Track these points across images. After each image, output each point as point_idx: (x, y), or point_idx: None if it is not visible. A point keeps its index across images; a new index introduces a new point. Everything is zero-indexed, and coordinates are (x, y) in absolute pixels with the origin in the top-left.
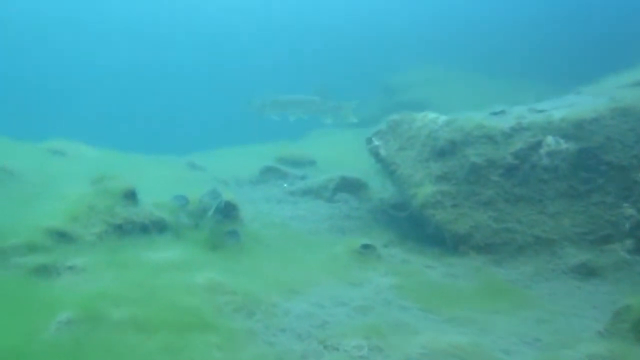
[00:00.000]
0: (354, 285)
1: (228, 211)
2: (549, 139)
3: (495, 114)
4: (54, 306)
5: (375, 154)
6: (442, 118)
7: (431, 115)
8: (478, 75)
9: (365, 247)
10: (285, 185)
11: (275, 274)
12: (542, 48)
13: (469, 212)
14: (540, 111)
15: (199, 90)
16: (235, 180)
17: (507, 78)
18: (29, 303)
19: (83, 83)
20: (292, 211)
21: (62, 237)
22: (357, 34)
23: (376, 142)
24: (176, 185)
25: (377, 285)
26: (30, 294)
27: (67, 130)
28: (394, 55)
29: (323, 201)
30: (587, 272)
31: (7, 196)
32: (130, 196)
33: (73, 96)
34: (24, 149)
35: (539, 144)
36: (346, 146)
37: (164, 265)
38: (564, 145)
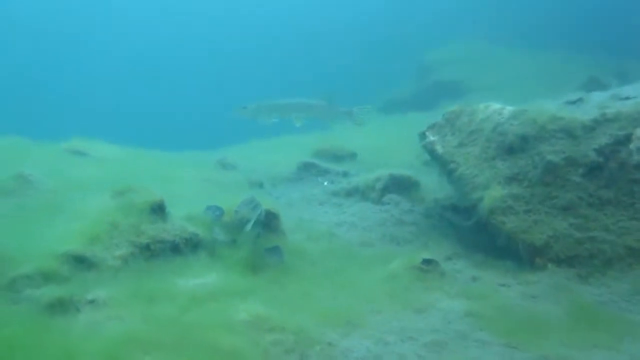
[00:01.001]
0: (420, 313)
1: (268, 221)
2: None
3: (571, 102)
4: (73, 358)
5: (430, 150)
6: (508, 109)
7: (495, 105)
8: (524, 50)
9: (427, 262)
10: (325, 183)
11: (327, 301)
12: (597, 16)
13: (546, 218)
14: (626, 98)
15: (222, 82)
16: (270, 178)
17: (557, 51)
18: (43, 354)
19: (99, 78)
20: (338, 216)
21: (81, 262)
22: (387, 7)
23: (431, 137)
24: (207, 189)
25: (446, 312)
26: (44, 341)
27: (87, 128)
28: (428, 30)
29: (371, 203)
30: None
31: (22, 210)
32: (159, 210)
33: (92, 92)
34: (43, 151)
35: (627, 138)
36: (386, 135)
37: (200, 296)
38: None
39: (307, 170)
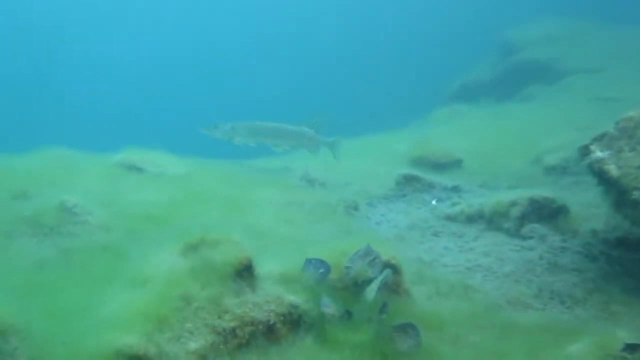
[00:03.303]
0: None
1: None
2: None
3: None
4: None
5: (598, 171)
6: None
7: None
8: (621, 27)
9: (632, 348)
10: (434, 202)
11: None
12: None
13: None
14: None
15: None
16: (365, 197)
17: None
18: None
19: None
20: (465, 255)
21: None
22: None
23: (599, 154)
24: (298, 221)
25: None
26: None
27: (140, 137)
28: (511, 6)
29: (505, 235)
30: None
31: (63, 263)
32: (246, 273)
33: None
34: (92, 166)
35: None
36: (487, 133)
37: None
38: None
39: (409, 184)
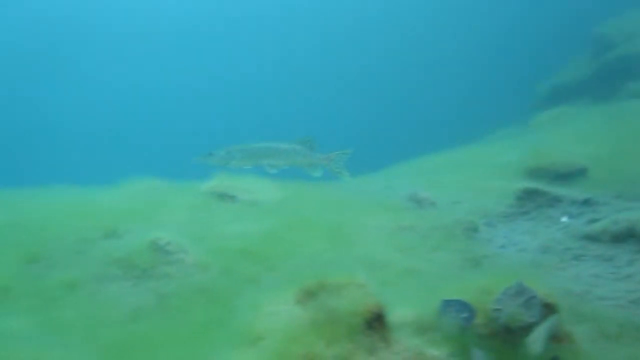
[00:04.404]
0: None
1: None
2: None
3: None
4: None
5: None
6: None
7: None
8: None
9: None
10: (564, 219)
11: None
12: None
13: None
14: None
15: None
16: (481, 215)
17: None
18: None
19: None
20: (623, 283)
21: None
22: None
23: None
24: (417, 250)
25: None
26: None
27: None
28: (594, 2)
29: None
30: None
31: (158, 313)
32: (377, 324)
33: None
34: (181, 197)
35: None
36: (609, 137)
37: None
38: None
39: (531, 199)
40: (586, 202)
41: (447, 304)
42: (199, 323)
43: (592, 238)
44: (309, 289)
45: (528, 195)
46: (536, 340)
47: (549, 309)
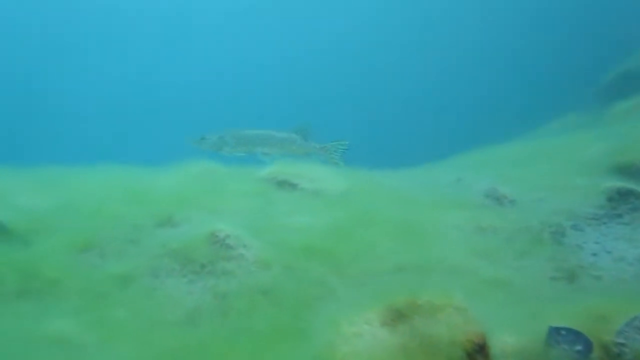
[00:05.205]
0: None
1: None
2: None
3: None
4: None
5: None
6: None
7: None
8: None
9: None
10: None
11: None
12: None
13: None
14: None
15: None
16: (567, 216)
17: None
18: None
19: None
20: None
21: None
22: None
23: None
24: (499, 256)
25: None
26: None
27: None
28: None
29: None
30: None
31: (216, 322)
32: (479, 357)
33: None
34: (238, 183)
35: None
36: None
37: None
38: None
39: (625, 201)
40: None
41: (556, 332)
42: (264, 334)
43: None
44: (398, 309)
45: (621, 196)
46: None
47: None
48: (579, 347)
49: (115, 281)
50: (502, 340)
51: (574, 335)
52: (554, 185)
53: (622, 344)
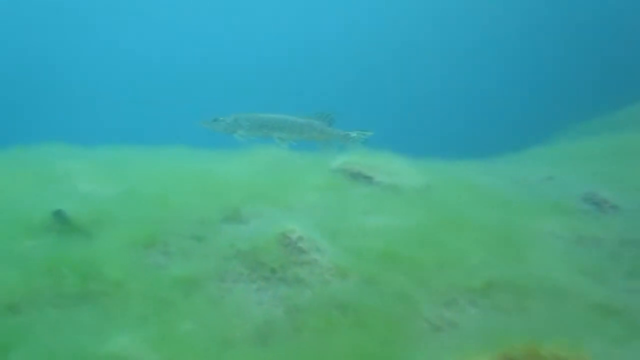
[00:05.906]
0: None
1: None
2: None
3: None
4: None
5: None
6: None
7: None
8: None
9: None
10: None
11: None
12: None
13: None
14: None
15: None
16: None
17: None
18: None
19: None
20: None
21: None
22: None
23: None
24: (608, 276)
25: None
26: None
27: None
28: None
29: None
30: None
31: (289, 342)
32: None
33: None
34: (308, 175)
35: None
36: None
37: None
38: None
39: None
40: None
41: None
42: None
43: None
44: (513, 357)
45: None
46: None
47: None
48: None
49: (180, 286)
50: None
51: None
52: None
53: None
